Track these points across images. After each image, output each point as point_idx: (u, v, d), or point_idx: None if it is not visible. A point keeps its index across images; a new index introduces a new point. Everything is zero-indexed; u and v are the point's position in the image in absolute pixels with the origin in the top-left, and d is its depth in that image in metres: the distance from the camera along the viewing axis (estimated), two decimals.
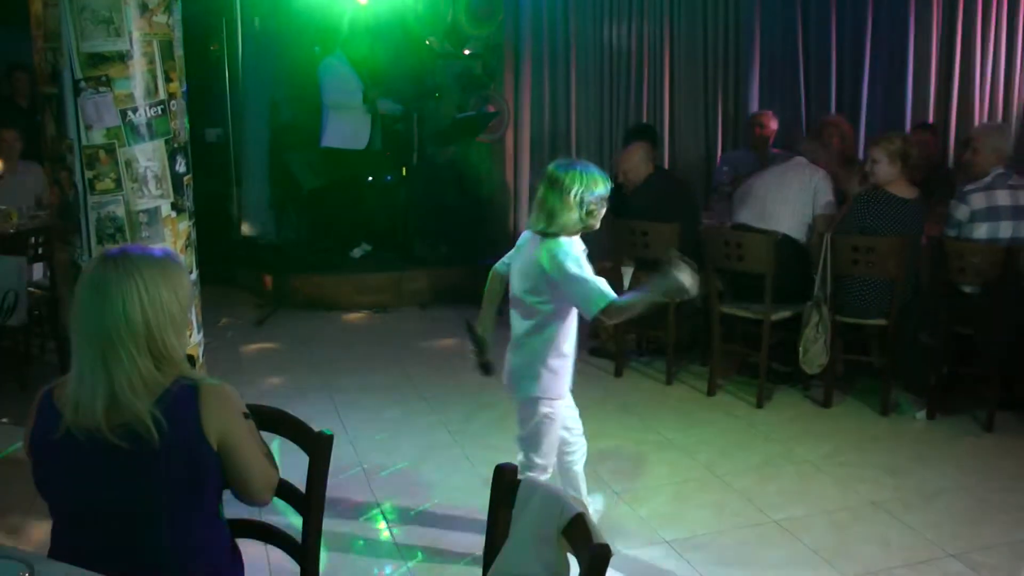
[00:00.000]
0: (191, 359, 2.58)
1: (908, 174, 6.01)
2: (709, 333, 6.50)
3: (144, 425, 2.29)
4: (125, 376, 2.30)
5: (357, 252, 9.12)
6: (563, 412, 4.16)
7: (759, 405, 6.19)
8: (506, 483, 2.51)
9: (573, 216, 3.88)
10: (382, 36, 9.66)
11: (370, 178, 9.45)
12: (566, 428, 4.23)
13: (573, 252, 3.88)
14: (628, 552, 4.31)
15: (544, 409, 4.08)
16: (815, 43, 9.47)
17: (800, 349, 5.96)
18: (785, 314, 6.16)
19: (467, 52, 9.52)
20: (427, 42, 9.52)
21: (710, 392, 6.41)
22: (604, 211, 3.99)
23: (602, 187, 3.92)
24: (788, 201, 6.28)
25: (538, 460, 4.12)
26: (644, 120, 9.29)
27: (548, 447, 4.13)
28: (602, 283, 3.82)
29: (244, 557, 2.68)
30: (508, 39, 9.36)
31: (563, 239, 3.91)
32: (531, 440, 4.13)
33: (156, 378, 2.35)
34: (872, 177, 6.00)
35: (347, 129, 8.88)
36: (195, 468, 2.38)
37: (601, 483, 4.87)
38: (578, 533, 2.25)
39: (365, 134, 8.90)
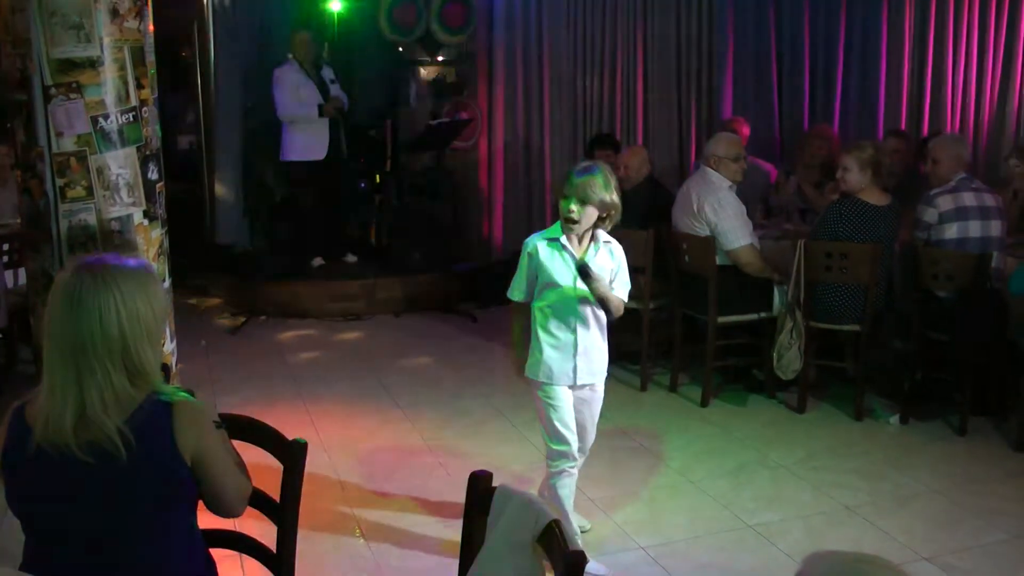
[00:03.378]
0: (165, 368, 2.55)
1: (880, 181, 6.05)
2: (674, 338, 6.57)
3: (112, 443, 2.25)
4: (97, 390, 2.26)
5: (317, 262, 9.02)
6: (554, 403, 4.22)
7: (703, 404, 6.26)
8: (481, 490, 2.50)
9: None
10: (354, 43, 9.66)
11: (345, 185, 9.39)
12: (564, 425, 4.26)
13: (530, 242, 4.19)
14: (604, 559, 4.30)
15: (534, 391, 4.28)
16: (788, 50, 9.55)
17: (774, 355, 5.99)
18: (737, 318, 6.23)
19: (440, 59, 9.51)
20: (399, 48, 9.50)
21: (673, 388, 6.44)
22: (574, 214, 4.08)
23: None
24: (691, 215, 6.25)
25: (550, 445, 4.27)
26: (617, 126, 9.33)
27: (552, 431, 4.24)
28: (518, 280, 4.23)
29: (218, 568, 2.65)
30: (481, 46, 9.36)
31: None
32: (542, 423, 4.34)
33: (129, 393, 2.31)
34: (843, 184, 6.03)
35: (304, 141, 8.65)
36: (169, 484, 2.35)
37: (576, 490, 4.84)
38: (553, 540, 2.24)
39: (323, 144, 8.67)
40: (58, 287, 2.33)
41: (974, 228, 5.80)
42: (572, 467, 4.27)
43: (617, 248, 4.19)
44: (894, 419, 5.97)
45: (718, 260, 6.04)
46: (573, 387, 4.24)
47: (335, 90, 8.70)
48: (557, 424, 4.20)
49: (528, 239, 4.21)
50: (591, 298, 4.09)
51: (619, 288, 4.17)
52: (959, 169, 5.97)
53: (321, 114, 8.53)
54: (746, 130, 8.38)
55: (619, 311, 4.13)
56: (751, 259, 6.16)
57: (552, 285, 4.12)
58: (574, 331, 4.16)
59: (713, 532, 4.60)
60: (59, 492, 2.31)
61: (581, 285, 4.06)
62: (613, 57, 9.42)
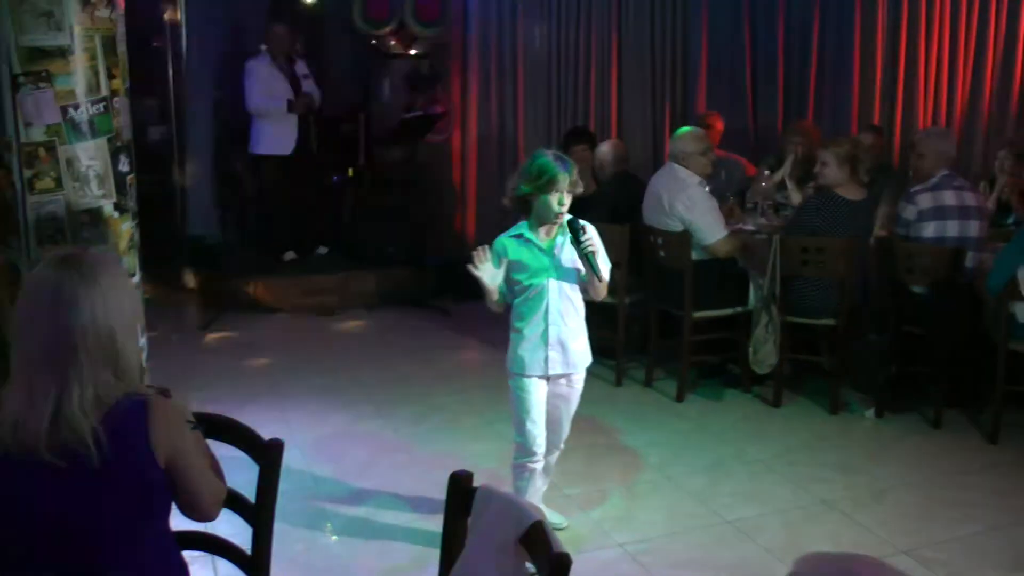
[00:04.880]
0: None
1: (857, 177, 6.05)
2: (649, 333, 6.57)
3: (84, 444, 2.17)
4: (79, 390, 2.18)
5: (289, 256, 8.95)
6: (522, 395, 4.22)
7: (679, 399, 6.26)
8: (462, 490, 2.45)
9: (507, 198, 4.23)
10: (326, 35, 9.59)
11: (318, 179, 9.32)
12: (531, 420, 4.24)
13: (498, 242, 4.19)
14: (581, 556, 4.27)
15: (508, 381, 4.25)
16: (762, 45, 9.55)
17: (750, 349, 5.99)
18: (712, 313, 6.22)
19: (414, 52, 9.45)
20: (373, 42, 9.44)
21: (648, 383, 6.44)
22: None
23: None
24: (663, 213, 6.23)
25: (514, 438, 4.30)
26: (591, 120, 9.31)
27: (517, 424, 4.26)
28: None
29: (190, 571, 2.59)
30: (455, 39, 9.31)
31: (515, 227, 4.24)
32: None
33: (109, 391, 2.24)
34: (820, 179, 6.04)
35: (272, 134, 8.57)
36: (143, 486, 2.28)
37: (552, 487, 4.82)
38: (537, 541, 2.20)
39: (291, 139, 8.59)
40: (36, 282, 2.26)
41: (952, 228, 5.79)
42: (533, 462, 4.28)
43: (587, 225, 4.15)
44: (870, 413, 5.98)
45: (693, 255, 6.02)
46: (547, 378, 4.23)
47: (307, 85, 8.63)
48: (523, 417, 4.22)
49: (496, 240, 4.19)
50: (575, 276, 4.14)
51: (601, 263, 4.12)
52: (943, 165, 5.96)
53: (290, 109, 8.46)
54: (720, 124, 8.36)
55: (606, 279, 4.10)
56: (730, 247, 6.19)
57: (524, 277, 4.12)
58: (545, 322, 4.15)
59: (691, 528, 4.58)
60: (29, 498, 2.22)
61: (569, 261, 4.11)
62: (588, 50, 9.39)
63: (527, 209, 4.11)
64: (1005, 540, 4.46)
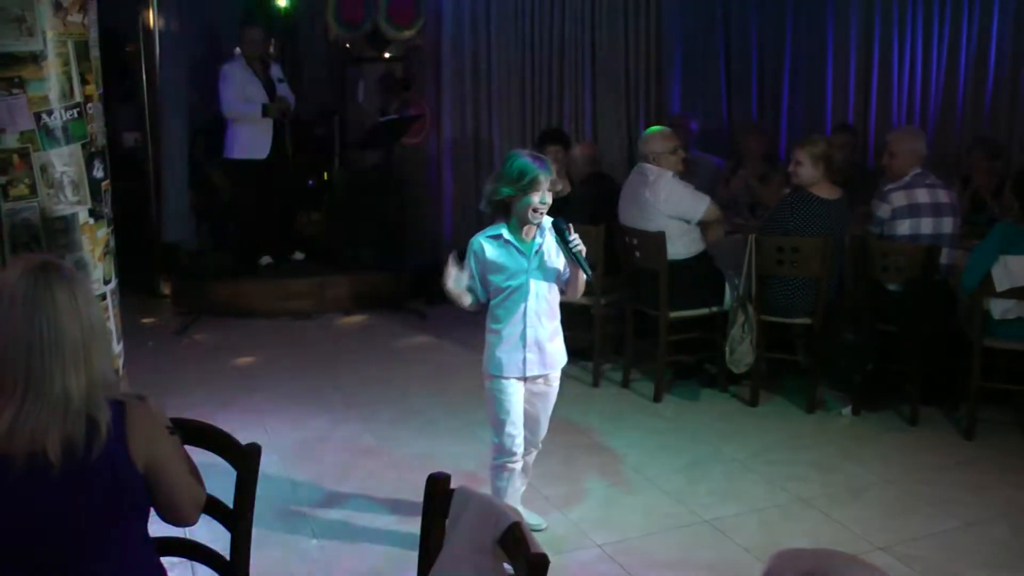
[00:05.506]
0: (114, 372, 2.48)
1: (831, 176, 6.08)
2: (625, 334, 6.58)
3: (55, 451, 2.16)
4: (44, 396, 2.17)
5: (265, 260, 8.92)
6: (500, 396, 4.23)
7: (656, 399, 6.27)
8: (439, 492, 2.45)
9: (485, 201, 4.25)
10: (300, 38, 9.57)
11: (293, 183, 9.29)
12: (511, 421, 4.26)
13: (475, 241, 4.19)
14: (560, 557, 4.27)
15: (485, 383, 4.28)
16: (736, 45, 9.58)
17: (726, 349, 6.01)
18: (688, 313, 6.24)
19: (388, 55, 9.45)
20: (347, 45, 9.43)
21: (625, 384, 6.48)
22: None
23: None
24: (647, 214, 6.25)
25: (493, 438, 4.31)
26: (566, 122, 9.32)
27: (497, 425, 4.26)
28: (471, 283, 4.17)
29: None
30: (430, 42, 9.31)
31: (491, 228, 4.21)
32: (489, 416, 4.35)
33: (84, 398, 2.22)
34: (795, 178, 6.07)
35: (247, 139, 8.53)
36: (121, 491, 2.27)
37: (531, 488, 4.82)
38: (514, 542, 2.20)
39: (266, 143, 8.53)
40: (12, 290, 2.24)
41: (926, 225, 5.84)
42: (512, 462, 4.29)
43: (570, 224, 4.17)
44: (846, 411, 6.01)
45: (669, 255, 6.03)
46: (524, 379, 4.23)
47: (282, 89, 8.60)
48: (503, 418, 4.22)
49: (472, 240, 4.19)
50: (554, 277, 4.18)
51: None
52: (916, 164, 6.00)
53: (265, 114, 8.43)
54: (693, 126, 8.41)
55: (584, 282, 4.14)
56: (719, 211, 6.30)
57: (502, 278, 4.13)
58: (523, 323, 4.16)
59: (669, 528, 4.59)
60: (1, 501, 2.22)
61: (549, 263, 4.14)
62: (562, 52, 9.40)
63: (507, 212, 4.10)
64: (981, 536, 4.49)
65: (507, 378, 4.20)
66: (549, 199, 4.06)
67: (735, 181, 7.82)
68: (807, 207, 5.94)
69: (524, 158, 4.06)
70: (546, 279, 4.17)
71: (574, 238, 4.03)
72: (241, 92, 8.38)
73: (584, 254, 4.06)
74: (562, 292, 4.23)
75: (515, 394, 4.23)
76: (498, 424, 4.24)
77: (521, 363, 4.19)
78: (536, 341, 4.19)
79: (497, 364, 4.20)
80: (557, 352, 4.30)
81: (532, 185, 4.00)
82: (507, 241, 4.11)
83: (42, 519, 2.22)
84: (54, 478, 2.18)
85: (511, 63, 9.35)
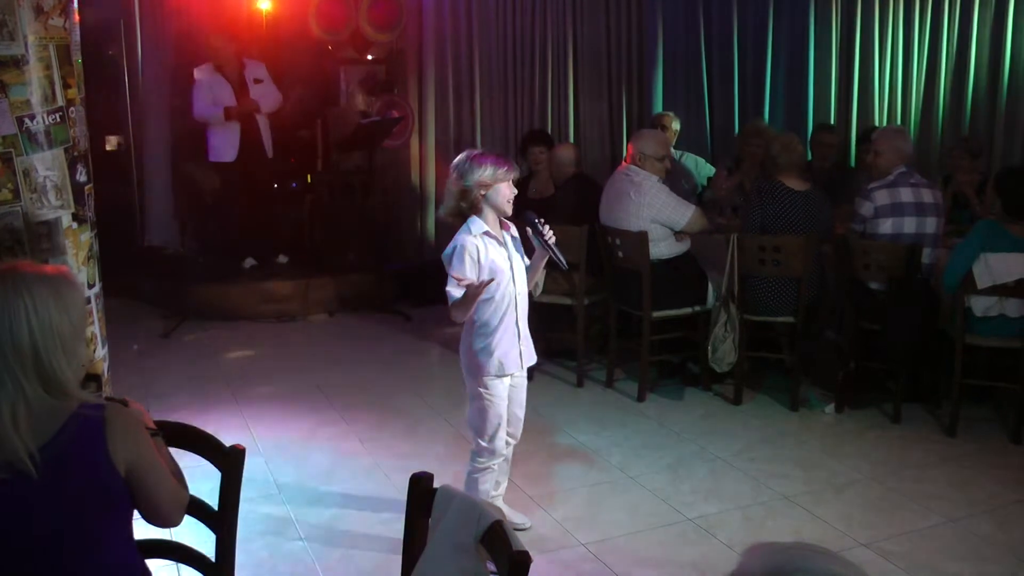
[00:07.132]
0: (96, 377, 2.47)
1: (798, 170, 6.13)
2: (608, 334, 6.59)
3: (22, 462, 2.15)
4: (9, 404, 2.17)
5: (249, 263, 8.90)
6: (494, 399, 4.24)
7: (640, 398, 6.29)
8: (422, 491, 2.46)
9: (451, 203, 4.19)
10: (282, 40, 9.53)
11: (275, 186, 9.26)
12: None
13: (460, 242, 4.10)
14: (544, 556, 4.28)
15: (476, 386, 4.25)
16: (718, 45, 9.60)
17: (709, 348, 6.02)
18: (671, 312, 6.25)
19: (370, 57, 9.44)
20: (329, 47, 9.41)
21: (609, 383, 6.47)
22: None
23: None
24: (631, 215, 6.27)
25: (483, 442, 4.27)
26: (549, 123, 9.33)
27: (489, 428, 4.25)
28: (451, 286, 4.06)
29: None
30: (411, 44, 9.31)
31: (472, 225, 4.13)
32: (472, 419, 4.32)
33: (47, 403, 2.22)
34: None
35: (216, 142, 8.53)
36: (103, 496, 2.27)
37: (515, 488, 4.83)
38: (497, 541, 2.20)
39: (233, 145, 8.50)
40: None
41: (909, 224, 5.86)
42: (496, 463, 4.32)
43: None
44: (829, 408, 6.03)
45: (652, 255, 6.04)
46: (512, 375, 4.26)
47: (258, 90, 8.56)
48: (495, 421, 4.23)
49: (462, 243, 4.09)
50: (524, 269, 4.23)
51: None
52: (900, 162, 6.02)
53: (227, 117, 8.42)
54: (676, 125, 8.42)
55: (543, 274, 4.21)
56: (703, 220, 6.29)
57: (494, 275, 4.10)
58: (516, 314, 4.19)
59: (653, 527, 4.60)
60: None
61: (521, 253, 4.20)
62: (543, 53, 9.43)
63: (477, 209, 4.11)
64: (964, 532, 4.51)
65: (503, 376, 4.20)
66: (514, 188, 4.14)
67: (728, 182, 7.78)
68: (775, 196, 6.00)
69: (476, 153, 4.15)
70: (522, 271, 4.23)
71: (547, 229, 4.10)
72: (209, 96, 8.38)
73: (555, 243, 4.12)
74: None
75: (504, 396, 4.25)
76: (491, 429, 4.23)
77: (518, 357, 4.23)
78: (525, 334, 4.25)
79: (498, 364, 4.18)
80: (532, 342, 4.37)
81: (505, 175, 4.07)
82: (491, 236, 4.11)
83: (22, 522, 2.22)
84: (33, 482, 2.18)
85: (492, 64, 9.38)
